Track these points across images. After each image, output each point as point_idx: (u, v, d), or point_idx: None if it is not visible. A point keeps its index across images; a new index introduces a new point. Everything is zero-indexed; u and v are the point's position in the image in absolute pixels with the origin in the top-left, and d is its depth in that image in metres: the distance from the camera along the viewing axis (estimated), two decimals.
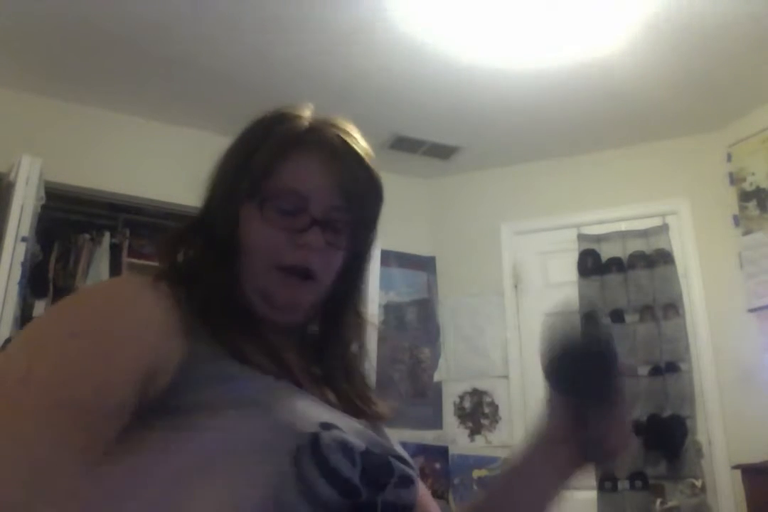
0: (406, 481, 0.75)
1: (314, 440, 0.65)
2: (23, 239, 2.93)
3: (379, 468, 0.71)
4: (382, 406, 0.87)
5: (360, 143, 0.83)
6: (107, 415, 0.62)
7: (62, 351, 0.63)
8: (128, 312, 0.68)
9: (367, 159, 0.83)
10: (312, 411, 0.70)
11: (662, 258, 3.72)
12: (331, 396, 0.83)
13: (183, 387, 0.66)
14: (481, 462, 3.78)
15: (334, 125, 0.83)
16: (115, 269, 3.75)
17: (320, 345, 0.88)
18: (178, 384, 0.66)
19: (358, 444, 0.69)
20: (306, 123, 0.82)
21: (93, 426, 0.61)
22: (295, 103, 0.86)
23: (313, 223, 0.78)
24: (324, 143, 0.80)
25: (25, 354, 0.64)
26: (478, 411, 3.91)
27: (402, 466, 0.75)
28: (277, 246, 0.78)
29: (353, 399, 0.84)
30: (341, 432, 0.68)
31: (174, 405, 0.65)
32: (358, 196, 0.81)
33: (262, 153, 0.80)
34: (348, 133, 0.83)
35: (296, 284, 0.79)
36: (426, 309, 4.18)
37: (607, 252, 3.84)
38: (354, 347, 0.89)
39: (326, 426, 0.68)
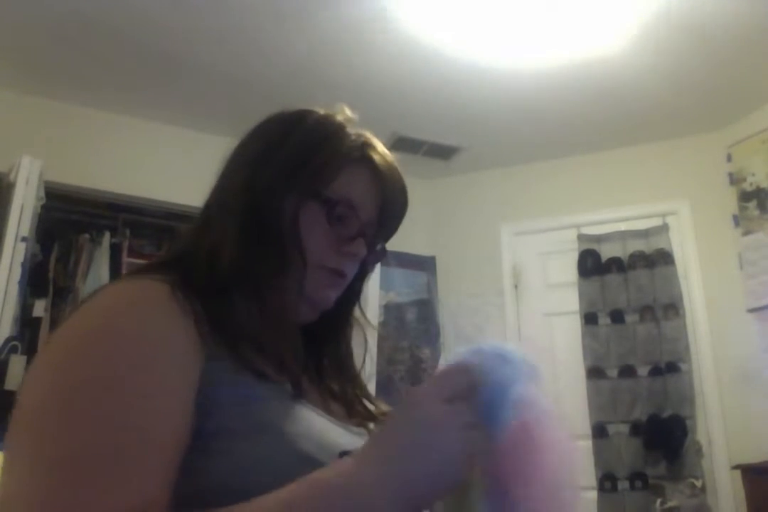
0: None
1: None
2: (23, 239, 2.93)
3: None
4: (383, 405, 0.88)
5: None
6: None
7: (99, 408, 0.60)
8: (155, 346, 0.65)
9: (405, 183, 0.87)
10: (331, 439, 0.71)
11: (662, 259, 3.72)
12: (331, 401, 0.83)
13: (203, 410, 0.64)
14: None
15: (378, 143, 0.86)
16: (115, 269, 3.75)
17: (318, 344, 0.88)
18: (198, 407, 0.64)
19: None
20: (357, 133, 0.84)
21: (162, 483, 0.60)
22: (331, 106, 0.88)
23: (360, 233, 0.81)
24: (380, 162, 0.84)
25: (57, 414, 0.60)
26: None
27: None
28: (323, 247, 0.80)
29: (354, 400, 0.85)
30: None
31: (194, 430, 0.64)
32: (394, 216, 0.86)
33: (327, 157, 0.81)
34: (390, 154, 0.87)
35: (334, 283, 0.82)
36: (426, 309, 4.18)
37: (607, 252, 3.84)
38: (348, 347, 0.90)
39: (344, 455, 0.69)
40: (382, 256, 0.89)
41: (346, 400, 0.84)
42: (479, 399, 0.60)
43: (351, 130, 0.84)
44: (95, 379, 0.61)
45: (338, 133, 0.83)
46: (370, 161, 0.83)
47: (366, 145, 0.84)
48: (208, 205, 0.83)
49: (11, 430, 0.62)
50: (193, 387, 0.65)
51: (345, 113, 0.87)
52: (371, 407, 0.86)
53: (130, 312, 0.66)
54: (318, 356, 0.88)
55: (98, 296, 0.70)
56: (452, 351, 0.64)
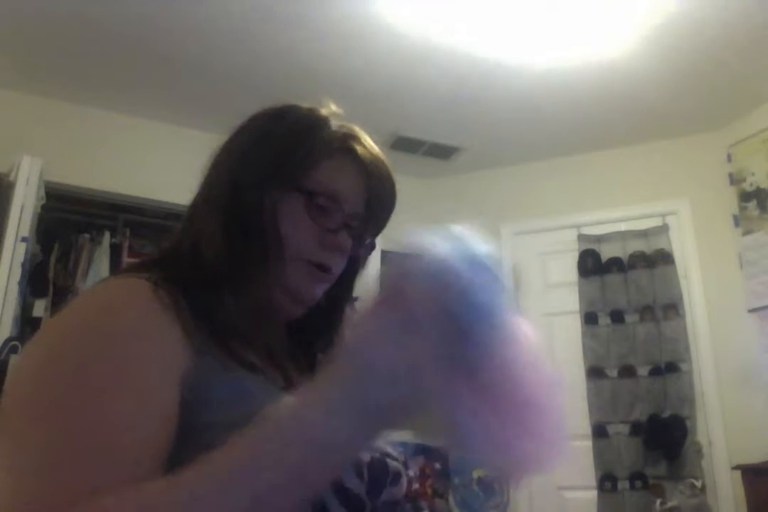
0: (397, 478, 0.75)
1: None
2: (23, 239, 2.94)
3: (379, 475, 0.72)
4: None
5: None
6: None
7: (86, 406, 0.60)
8: (139, 344, 0.65)
9: (392, 176, 0.86)
10: None
11: (662, 259, 3.72)
12: None
13: (195, 407, 0.65)
14: None
15: (363, 135, 0.85)
16: (115, 269, 3.75)
17: (312, 339, 0.88)
18: (190, 403, 0.65)
19: (365, 455, 0.70)
20: (340, 125, 0.83)
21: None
22: (317, 100, 0.87)
23: (344, 226, 0.80)
24: (363, 153, 0.83)
25: (46, 410, 0.61)
26: None
27: (394, 464, 0.75)
28: (304, 240, 0.79)
29: None
30: None
31: (187, 425, 0.64)
32: (382, 208, 0.85)
33: (307, 147, 0.80)
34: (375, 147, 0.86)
35: (317, 277, 0.80)
36: None
37: (607, 252, 3.84)
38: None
39: None
40: (372, 250, 0.88)
41: None
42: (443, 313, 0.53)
43: (335, 122, 0.83)
44: (72, 380, 0.62)
45: (320, 125, 0.82)
46: (353, 152, 0.82)
47: (348, 136, 0.83)
48: (195, 202, 0.83)
49: None
50: (176, 383, 0.64)
51: (330, 107, 0.86)
52: None
53: (111, 310, 0.67)
54: (312, 351, 0.88)
55: (84, 294, 0.72)
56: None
